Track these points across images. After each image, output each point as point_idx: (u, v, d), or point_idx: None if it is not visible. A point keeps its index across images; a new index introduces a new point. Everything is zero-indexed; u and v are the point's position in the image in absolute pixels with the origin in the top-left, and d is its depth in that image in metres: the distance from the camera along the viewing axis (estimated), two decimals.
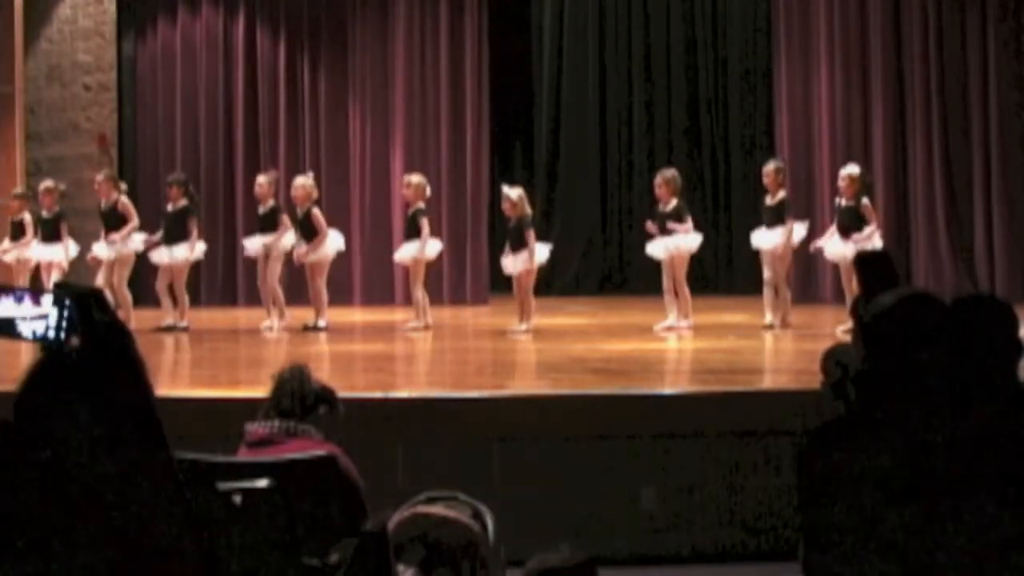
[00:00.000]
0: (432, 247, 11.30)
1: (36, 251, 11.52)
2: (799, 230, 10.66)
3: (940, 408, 2.45)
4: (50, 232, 11.43)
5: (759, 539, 6.23)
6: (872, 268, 5.87)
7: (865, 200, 10.14)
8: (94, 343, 2.32)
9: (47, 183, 11.71)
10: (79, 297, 2.33)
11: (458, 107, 14.24)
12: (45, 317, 2.30)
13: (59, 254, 11.42)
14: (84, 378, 2.31)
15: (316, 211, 11.14)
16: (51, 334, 2.30)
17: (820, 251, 10.76)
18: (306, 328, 10.84)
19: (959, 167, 13.10)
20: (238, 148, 14.54)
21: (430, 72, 14.27)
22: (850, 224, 10.11)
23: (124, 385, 2.34)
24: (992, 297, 2.75)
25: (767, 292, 10.54)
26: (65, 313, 2.30)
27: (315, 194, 11.34)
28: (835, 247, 10.24)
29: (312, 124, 14.50)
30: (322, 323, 10.91)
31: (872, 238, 10.00)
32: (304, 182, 11.26)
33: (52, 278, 11.26)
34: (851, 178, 10.20)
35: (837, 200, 10.41)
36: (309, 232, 11.04)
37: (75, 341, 2.30)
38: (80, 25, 14.07)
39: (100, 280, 11.01)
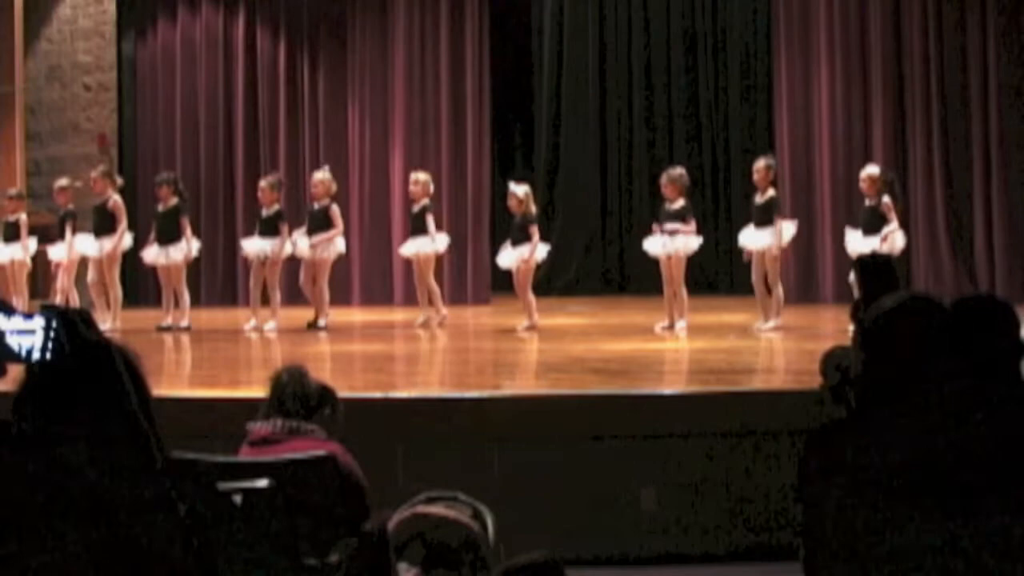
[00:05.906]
0: (441, 240, 11.34)
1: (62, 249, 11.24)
2: (789, 228, 10.63)
3: (940, 411, 2.45)
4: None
5: (759, 539, 6.22)
6: (873, 272, 5.88)
7: (886, 198, 10.22)
8: (81, 362, 2.32)
9: (63, 181, 11.53)
10: (66, 317, 2.33)
11: (458, 107, 14.23)
12: (33, 332, 2.30)
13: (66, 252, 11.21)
14: (71, 396, 2.31)
15: (335, 208, 11.12)
16: (36, 355, 2.30)
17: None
18: (309, 326, 10.85)
19: (959, 168, 13.09)
20: (238, 148, 14.54)
21: (430, 72, 14.27)
22: (873, 223, 10.24)
23: (111, 402, 2.34)
24: (992, 297, 2.75)
25: (759, 292, 10.55)
26: (52, 333, 2.30)
27: (334, 188, 11.34)
28: (856, 245, 10.29)
29: (312, 124, 14.51)
30: (322, 322, 10.92)
31: (893, 235, 10.11)
32: (323, 177, 11.26)
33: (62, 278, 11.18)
34: (871, 178, 10.34)
35: (867, 201, 10.45)
36: (323, 227, 11.02)
37: (61, 361, 2.31)
38: (80, 25, 14.08)
39: (90, 277, 11.03)
